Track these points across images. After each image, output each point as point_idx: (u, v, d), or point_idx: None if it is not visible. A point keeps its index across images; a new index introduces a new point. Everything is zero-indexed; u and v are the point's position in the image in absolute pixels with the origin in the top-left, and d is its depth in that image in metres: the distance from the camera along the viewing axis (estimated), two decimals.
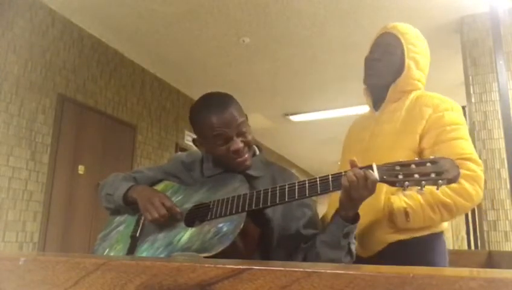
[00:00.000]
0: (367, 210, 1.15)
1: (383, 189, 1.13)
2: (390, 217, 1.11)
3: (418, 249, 1.14)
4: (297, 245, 1.04)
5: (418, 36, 1.30)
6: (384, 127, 1.25)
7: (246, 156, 1.09)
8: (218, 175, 1.14)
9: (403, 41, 1.26)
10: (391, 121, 1.24)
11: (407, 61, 1.25)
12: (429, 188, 1.05)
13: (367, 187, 0.87)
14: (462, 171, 1.09)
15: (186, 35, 4.06)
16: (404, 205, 1.09)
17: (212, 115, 1.05)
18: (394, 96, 1.27)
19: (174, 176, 1.21)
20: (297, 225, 1.06)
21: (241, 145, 1.06)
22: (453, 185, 1.06)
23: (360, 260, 1.14)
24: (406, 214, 1.08)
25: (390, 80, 1.27)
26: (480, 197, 1.10)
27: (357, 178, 0.87)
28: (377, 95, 1.33)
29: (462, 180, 1.06)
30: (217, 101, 1.09)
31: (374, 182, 0.87)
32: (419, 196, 1.08)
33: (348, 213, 0.95)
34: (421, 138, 1.16)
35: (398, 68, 1.26)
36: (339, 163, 1.46)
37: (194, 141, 1.18)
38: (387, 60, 1.27)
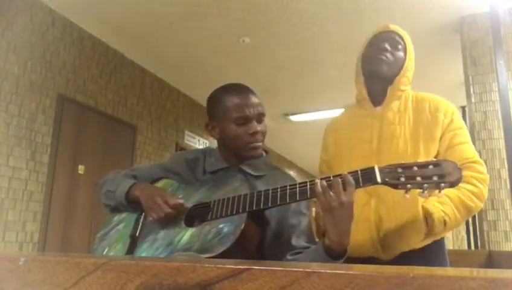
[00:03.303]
0: (402, 215, 1.14)
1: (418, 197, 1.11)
2: (431, 228, 1.10)
3: (434, 253, 1.16)
4: (285, 253, 1.02)
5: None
6: (394, 128, 1.22)
7: (260, 143, 1.12)
8: (219, 173, 1.14)
9: (406, 42, 1.28)
10: (400, 122, 1.22)
11: (407, 62, 1.26)
12: (457, 193, 1.08)
13: (345, 193, 0.84)
14: (474, 174, 1.11)
15: (186, 35, 4.06)
16: (443, 215, 1.08)
17: (237, 96, 1.11)
18: (395, 95, 1.26)
19: (175, 173, 1.20)
20: (290, 233, 1.04)
21: (258, 129, 1.10)
22: (473, 188, 1.10)
23: (379, 263, 1.13)
24: (445, 222, 1.09)
25: (394, 74, 1.25)
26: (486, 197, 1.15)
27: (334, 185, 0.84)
28: (375, 91, 1.28)
29: (478, 183, 1.11)
30: (242, 86, 1.15)
31: (351, 186, 0.84)
32: (451, 203, 1.09)
33: (333, 245, 0.89)
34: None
35: (401, 66, 1.26)
36: (333, 161, 1.39)
37: (206, 125, 1.18)
38: (397, 54, 1.26)
